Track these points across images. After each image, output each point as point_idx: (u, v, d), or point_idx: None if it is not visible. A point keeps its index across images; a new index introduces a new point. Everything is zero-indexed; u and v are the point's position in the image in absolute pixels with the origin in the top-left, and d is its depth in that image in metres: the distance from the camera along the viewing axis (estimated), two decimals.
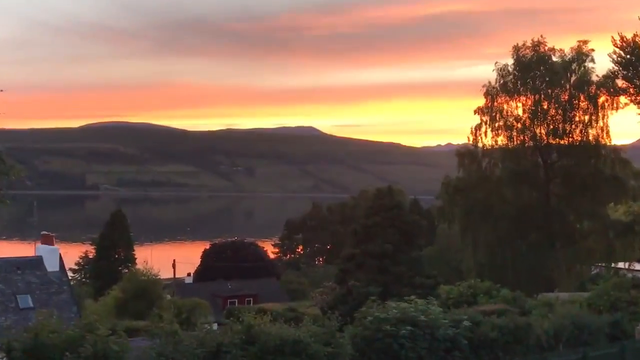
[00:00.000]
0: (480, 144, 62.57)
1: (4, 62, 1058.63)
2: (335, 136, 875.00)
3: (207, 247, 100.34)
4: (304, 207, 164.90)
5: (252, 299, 75.28)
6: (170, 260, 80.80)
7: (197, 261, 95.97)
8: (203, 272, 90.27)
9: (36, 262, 38.90)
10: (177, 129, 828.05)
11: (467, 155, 62.92)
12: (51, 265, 38.80)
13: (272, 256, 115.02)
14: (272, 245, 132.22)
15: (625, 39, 45.59)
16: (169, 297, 54.53)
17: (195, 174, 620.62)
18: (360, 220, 53.52)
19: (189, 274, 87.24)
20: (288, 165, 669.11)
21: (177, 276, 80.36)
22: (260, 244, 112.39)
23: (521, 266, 57.97)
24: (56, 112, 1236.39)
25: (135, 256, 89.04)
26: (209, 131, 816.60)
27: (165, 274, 70.68)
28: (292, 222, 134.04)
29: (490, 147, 62.68)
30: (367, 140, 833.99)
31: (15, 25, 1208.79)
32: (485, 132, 62.21)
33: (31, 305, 36.06)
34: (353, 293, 45.66)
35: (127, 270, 76.51)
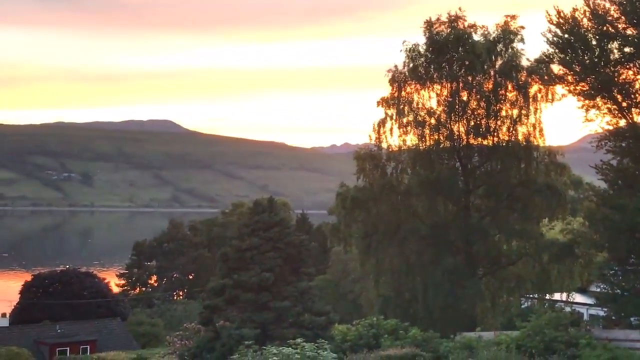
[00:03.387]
0: (384, 145, 63.25)
1: None
2: (200, 133, 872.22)
3: (29, 278, 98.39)
4: (158, 225, 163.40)
5: (89, 346, 75.17)
6: None
7: (15, 297, 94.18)
8: (23, 312, 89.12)
9: None
10: None
11: (368, 158, 63.45)
12: None
13: (115, 290, 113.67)
14: (117, 275, 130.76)
15: (562, 15, 47.19)
16: None
17: (12, 181, 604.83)
18: (232, 242, 53.34)
19: (3, 315, 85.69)
20: (138, 171, 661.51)
21: None
22: (99, 274, 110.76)
23: (435, 299, 58.96)
24: None
25: None
26: (30, 125, 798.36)
27: None
28: (143, 246, 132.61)
29: (397, 149, 63.40)
30: (241, 139, 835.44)
31: None
32: (391, 130, 62.81)
33: None
34: (222, 337, 45.64)
35: None
